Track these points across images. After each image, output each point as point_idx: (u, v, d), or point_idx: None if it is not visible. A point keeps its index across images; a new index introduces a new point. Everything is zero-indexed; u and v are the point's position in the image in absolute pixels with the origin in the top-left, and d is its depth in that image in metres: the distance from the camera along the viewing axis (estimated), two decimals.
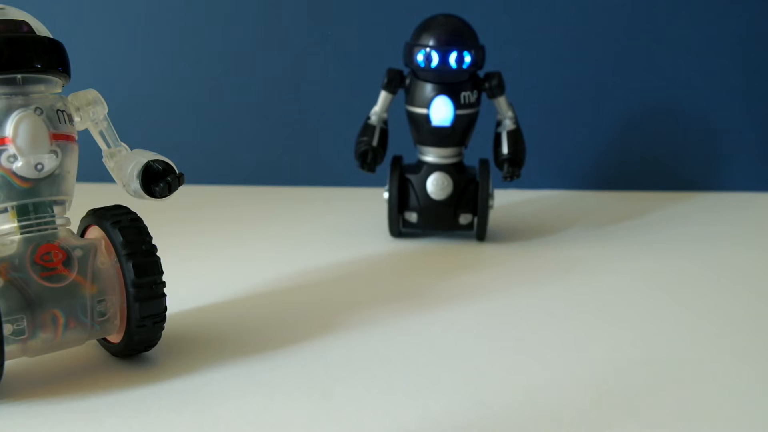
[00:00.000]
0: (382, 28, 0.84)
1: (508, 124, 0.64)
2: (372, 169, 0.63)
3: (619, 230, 0.71)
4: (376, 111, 0.64)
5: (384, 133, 0.65)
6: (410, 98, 0.63)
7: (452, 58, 0.60)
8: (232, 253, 0.65)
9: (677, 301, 0.54)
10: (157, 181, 0.42)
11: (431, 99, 0.61)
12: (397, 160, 0.65)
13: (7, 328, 0.38)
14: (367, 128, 0.64)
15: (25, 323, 0.39)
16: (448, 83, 0.61)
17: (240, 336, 0.47)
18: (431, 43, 0.60)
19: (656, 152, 0.86)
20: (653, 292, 0.55)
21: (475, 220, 0.64)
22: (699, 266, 0.61)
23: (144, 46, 0.87)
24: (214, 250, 0.65)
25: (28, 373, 0.42)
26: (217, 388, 0.41)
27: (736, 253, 0.64)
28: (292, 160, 0.89)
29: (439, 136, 0.62)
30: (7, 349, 0.39)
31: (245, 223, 0.74)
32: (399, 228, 0.65)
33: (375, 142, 0.63)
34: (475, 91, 0.62)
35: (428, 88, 0.61)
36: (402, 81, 0.63)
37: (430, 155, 0.63)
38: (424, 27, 0.62)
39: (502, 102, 0.64)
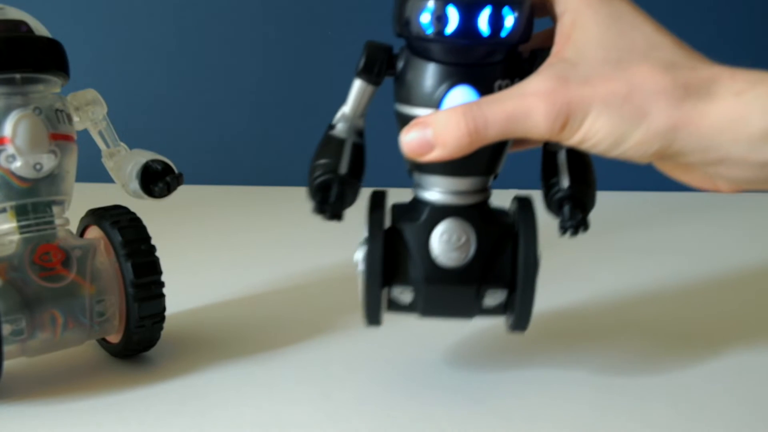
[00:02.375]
0: (382, 28, 0.84)
1: None
2: (337, 215, 0.38)
3: (633, 235, 0.71)
4: (346, 114, 0.39)
5: (358, 152, 0.39)
6: (404, 92, 0.38)
7: (483, 18, 0.35)
8: (232, 253, 0.64)
9: (679, 302, 0.54)
10: (156, 181, 0.42)
11: (444, 92, 0.36)
12: (378, 199, 0.39)
13: (6, 328, 0.38)
14: (330, 143, 0.39)
15: (24, 323, 0.39)
16: (474, 64, 0.36)
17: (240, 336, 0.47)
18: None
19: None
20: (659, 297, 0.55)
21: (514, 299, 0.39)
22: (708, 268, 0.61)
23: (144, 46, 0.87)
24: (214, 250, 0.65)
25: (28, 373, 0.42)
26: (217, 388, 0.41)
27: (743, 254, 0.64)
28: (291, 160, 0.89)
29: (453, 159, 0.36)
30: (6, 349, 0.39)
31: (245, 223, 0.74)
32: (380, 313, 0.39)
33: (343, 168, 0.38)
34: (517, 80, 0.36)
35: (438, 72, 0.36)
36: (391, 63, 0.38)
37: (437, 190, 0.39)
38: None
39: None
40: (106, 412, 0.38)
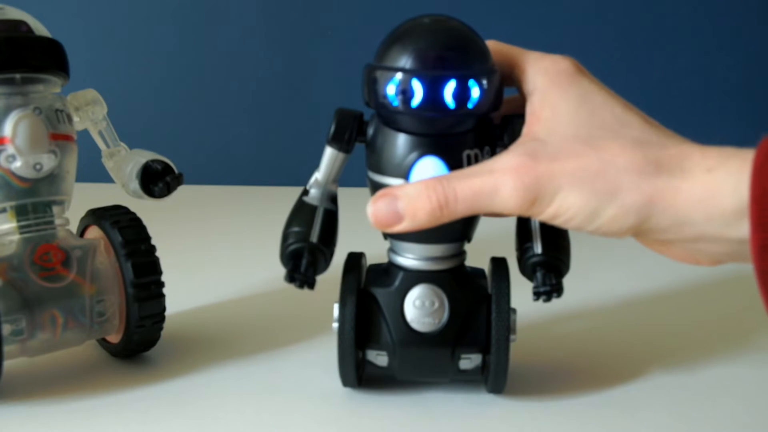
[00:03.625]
0: (382, 28, 0.84)
1: None
2: (309, 284, 0.38)
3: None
4: (319, 180, 0.40)
5: (331, 219, 0.40)
6: (374, 160, 0.38)
7: (448, 90, 0.35)
8: (232, 253, 0.64)
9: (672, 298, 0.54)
10: (156, 181, 0.42)
11: (412, 163, 0.37)
12: (354, 262, 0.41)
13: (6, 328, 0.38)
14: (302, 210, 0.40)
15: (24, 323, 0.39)
16: (442, 134, 0.37)
17: (240, 336, 0.47)
18: (411, 64, 0.36)
19: None
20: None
21: (488, 361, 0.39)
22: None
23: (144, 46, 0.87)
24: (214, 250, 0.65)
25: (28, 373, 0.42)
26: (217, 388, 0.41)
27: None
28: (291, 160, 0.89)
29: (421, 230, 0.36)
30: (6, 349, 0.39)
31: (245, 224, 0.74)
32: (356, 375, 0.40)
33: (315, 237, 0.39)
34: (486, 149, 0.37)
35: (406, 142, 0.37)
36: (361, 130, 0.39)
37: (410, 256, 0.39)
38: (399, 36, 0.37)
39: None
40: (106, 412, 0.38)
